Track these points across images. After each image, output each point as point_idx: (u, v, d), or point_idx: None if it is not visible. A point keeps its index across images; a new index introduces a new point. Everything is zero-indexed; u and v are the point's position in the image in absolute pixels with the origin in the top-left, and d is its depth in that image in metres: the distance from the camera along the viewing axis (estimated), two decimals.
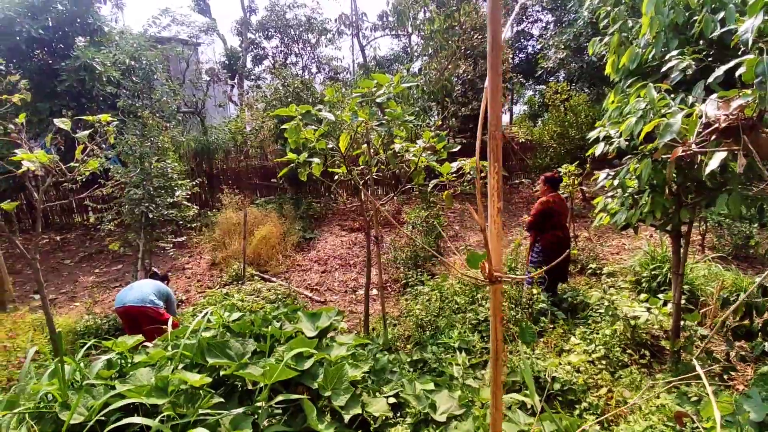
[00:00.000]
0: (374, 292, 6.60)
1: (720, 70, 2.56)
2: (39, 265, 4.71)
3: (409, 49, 18.65)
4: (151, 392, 1.99)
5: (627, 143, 3.59)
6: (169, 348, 2.52)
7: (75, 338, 5.49)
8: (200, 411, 1.98)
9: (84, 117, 4.83)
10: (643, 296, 4.28)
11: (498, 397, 0.94)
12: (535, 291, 4.85)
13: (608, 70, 3.97)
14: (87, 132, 4.74)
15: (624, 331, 4.10)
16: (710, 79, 2.76)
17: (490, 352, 0.93)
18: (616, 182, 3.80)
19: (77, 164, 4.67)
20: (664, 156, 2.99)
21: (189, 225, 7.52)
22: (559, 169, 7.44)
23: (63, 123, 4.52)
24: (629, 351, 3.95)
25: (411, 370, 3.92)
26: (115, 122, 4.85)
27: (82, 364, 2.29)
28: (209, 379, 2.13)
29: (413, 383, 2.97)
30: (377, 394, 2.85)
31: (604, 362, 3.84)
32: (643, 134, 3.06)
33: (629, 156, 3.76)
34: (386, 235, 8.80)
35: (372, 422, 2.61)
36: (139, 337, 2.57)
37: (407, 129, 4.60)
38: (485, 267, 0.90)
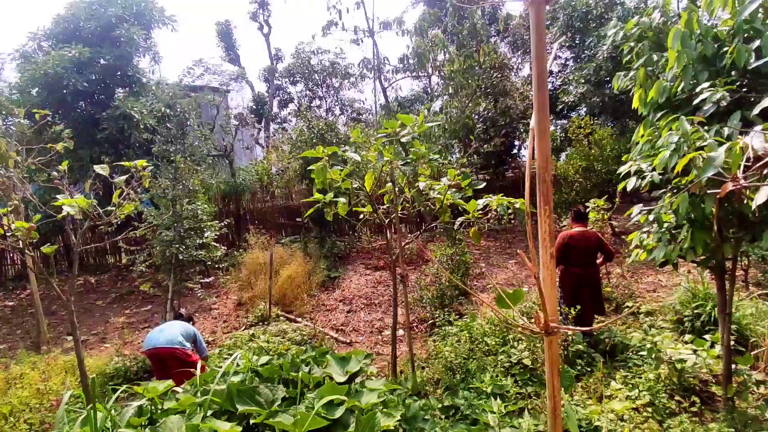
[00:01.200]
0: (400, 332, 6.45)
1: (765, 102, 2.50)
2: (73, 308, 4.81)
3: (429, 89, 19.08)
4: None
5: (660, 177, 3.50)
6: (199, 394, 2.48)
7: (105, 381, 5.50)
8: None
9: (122, 163, 5.05)
10: (688, 337, 4.05)
11: None
12: (571, 333, 4.65)
13: (635, 104, 3.93)
14: (124, 177, 4.94)
15: (669, 376, 3.86)
16: (755, 111, 2.69)
17: (548, 407, 0.87)
18: (651, 217, 3.68)
19: (114, 208, 4.85)
20: (705, 190, 2.89)
21: (216, 265, 7.61)
22: (587, 204, 7.30)
23: (102, 169, 4.73)
24: (677, 398, 3.70)
25: (443, 417, 3.75)
26: (150, 167, 5.04)
27: (113, 411, 2.27)
28: (239, 428, 2.07)
29: None
30: None
31: (649, 410, 3.60)
32: (678, 168, 2.98)
33: (664, 190, 3.66)
34: (411, 273, 8.70)
35: None
36: (170, 382, 2.55)
37: (432, 167, 4.62)
38: (539, 317, 0.85)
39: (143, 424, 2.20)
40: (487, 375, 4.38)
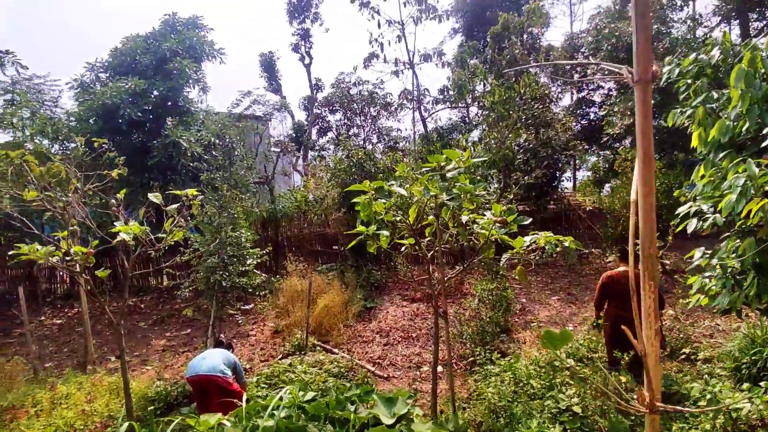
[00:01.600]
0: (439, 368, 6.28)
1: None
2: (122, 331, 4.96)
3: (467, 118, 19.16)
4: None
5: (723, 219, 3.33)
6: (248, 430, 2.46)
7: (146, 404, 5.58)
8: None
9: (173, 192, 5.26)
10: (746, 386, 3.76)
11: None
12: (623, 378, 4.39)
13: (695, 142, 3.78)
14: (176, 206, 5.14)
15: (724, 425, 3.56)
16: None
17: None
18: (714, 261, 3.49)
19: (165, 235, 5.03)
20: None
21: (256, 292, 7.72)
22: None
23: (155, 197, 4.93)
24: None
25: None
26: (200, 196, 5.23)
27: None
28: None
29: None
30: None
31: None
32: (745, 212, 2.83)
33: (728, 234, 3.47)
34: (449, 306, 8.52)
35: None
36: (219, 416, 2.55)
37: (477, 202, 4.57)
38: (643, 395, 0.79)
39: None
40: (534, 421, 4.17)
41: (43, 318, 10.55)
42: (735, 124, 3.43)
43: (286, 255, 11.36)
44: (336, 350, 7.20)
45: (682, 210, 3.71)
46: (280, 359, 6.89)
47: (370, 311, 8.94)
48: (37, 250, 4.43)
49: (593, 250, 10.71)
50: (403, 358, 6.88)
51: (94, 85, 12.20)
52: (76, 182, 6.58)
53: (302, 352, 7.04)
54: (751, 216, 2.64)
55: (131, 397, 4.91)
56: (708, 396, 4.02)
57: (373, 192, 4.33)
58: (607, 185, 14.65)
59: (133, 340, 8.71)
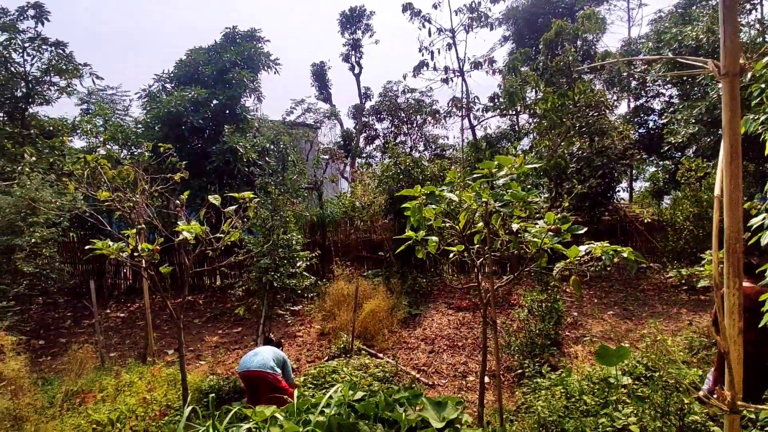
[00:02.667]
0: (486, 379, 6.16)
1: None
2: (181, 325, 5.23)
3: (517, 126, 18.81)
4: None
5: None
6: (300, 424, 2.53)
7: (200, 396, 5.83)
8: None
9: (232, 194, 5.51)
10: None
11: None
12: (686, 399, 4.12)
13: None
14: (233, 207, 5.38)
15: None
16: None
17: None
18: None
19: (223, 235, 5.28)
20: None
21: (304, 294, 7.90)
22: (756, 255, 6.49)
23: (215, 199, 5.18)
24: None
25: None
26: (256, 199, 5.45)
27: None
28: None
29: None
30: None
31: None
32: None
33: None
34: (497, 316, 8.35)
35: None
36: (274, 407, 2.63)
37: (531, 210, 4.48)
38: (724, 394, 0.76)
39: None
40: None
41: (108, 311, 11.28)
42: None
43: (332, 259, 11.55)
44: (380, 355, 7.23)
45: (754, 222, 3.46)
46: (325, 361, 7.00)
47: (415, 318, 8.92)
48: (109, 246, 4.78)
49: (651, 264, 10.16)
50: (449, 366, 6.80)
51: (161, 94, 13.03)
52: (143, 184, 7.06)
53: (347, 355, 7.12)
54: None
55: (188, 388, 5.17)
56: None
57: (424, 197, 4.35)
58: (667, 197, 13.90)
59: (188, 335, 9.13)
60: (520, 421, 4.86)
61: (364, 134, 22.04)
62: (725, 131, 0.90)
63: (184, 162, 7.19)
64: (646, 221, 10.96)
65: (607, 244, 4.08)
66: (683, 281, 7.77)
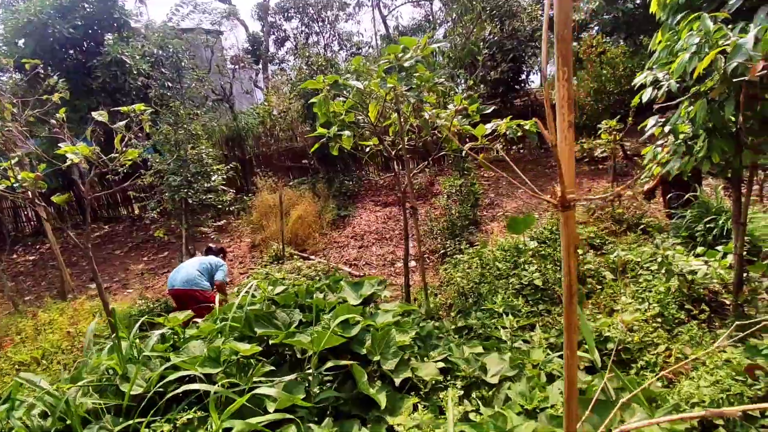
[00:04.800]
0: (413, 264, 6.57)
1: None
2: (91, 254, 4.93)
3: (431, 17, 18.10)
4: (205, 362, 2.02)
5: (678, 85, 3.33)
6: (218, 322, 2.56)
7: (130, 322, 5.73)
8: (253, 379, 2.00)
9: (119, 108, 4.94)
10: (700, 249, 4.04)
11: (572, 340, 0.87)
12: (580, 251, 4.67)
13: (653, 8, 3.65)
14: (123, 122, 4.86)
15: (680, 287, 3.90)
16: None
17: (564, 289, 0.85)
18: (666, 129, 3.55)
19: (117, 154, 4.82)
20: (725, 95, 2.75)
21: (227, 209, 7.67)
22: (599, 126, 7.08)
23: (100, 115, 4.64)
24: (687, 307, 3.75)
25: (456, 336, 3.88)
26: (149, 111, 4.93)
27: (137, 340, 2.36)
28: (259, 348, 2.15)
29: (461, 347, 2.93)
30: (425, 359, 2.82)
31: (659, 320, 3.67)
32: (698, 71, 2.81)
33: (681, 98, 3.49)
34: (421, 207, 8.71)
35: (422, 386, 2.59)
36: (189, 312, 2.63)
37: (437, 92, 4.45)
38: (555, 191, 0.80)
39: (167, 349, 2.29)
40: (498, 297, 4.47)
41: (15, 256, 10.39)
42: None
43: (255, 172, 11.16)
44: (313, 257, 7.40)
45: (638, 80, 3.68)
46: (259, 269, 7.06)
47: (344, 219, 9.08)
48: None
49: None
50: (378, 257, 7.14)
51: (17, 2, 10.87)
52: (11, 108, 6.11)
53: (280, 262, 7.21)
54: (699, 70, 2.62)
55: (114, 313, 5.04)
56: (659, 259, 4.32)
57: (328, 87, 4.15)
58: (574, 78, 14.45)
59: (110, 267, 8.73)
60: (443, 293, 5.30)
61: (273, 36, 20.26)
62: None
63: (62, 80, 6.24)
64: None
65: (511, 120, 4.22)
66: (585, 154, 8.41)
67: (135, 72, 9.51)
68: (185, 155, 6.39)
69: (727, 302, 3.92)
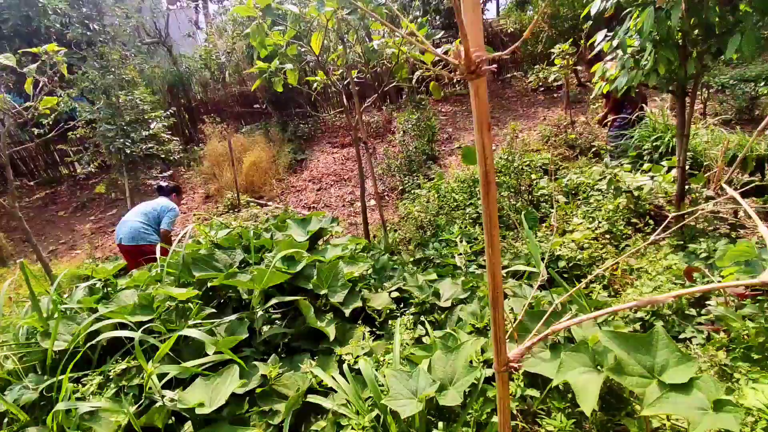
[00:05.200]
0: (372, 203, 6.49)
1: None
2: (20, 214, 4.58)
3: None
4: (136, 310, 1.89)
5: None
6: (153, 269, 2.41)
7: (79, 282, 5.48)
8: (191, 322, 1.90)
9: (29, 50, 4.39)
10: (647, 166, 4.12)
11: (494, 235, 0.79)
12: (534, 176, 4.70)
13: None
14: (34, 65, 4.35)
15: (627, 204, 3.99)
16: None
17: (480, 177, 0.76)
18: (615, 43, 3.45)
19: (32, 103, 4.36)
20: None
21: (174, 160, 7.25)
22: (552, 51, 6.93)
23: (6, 59, 4.15)
24: (634, 221, 3.86)
25: (414, 268, 3.89)
26: (63, 51, 4.40)
27: (64, 295, 2.19)
28: (197, 291, 2.03)
29: (416, 276, 2.91)
30: (379, 290, 2.79)
31: (608, 237, 3.77)
32: None
33: (629, 9, 3.38)
34: (378, 145, 8.51)
35: (377, 317, 2.58)
36: (121, 262, 2.46)
37: (381, 15, 4.16)
38: (459, 53, 0.66)
39: (97, 302, 2.14)
40: (456, 227, 4.48)
41: None
42: None
43: (201, 119, 10.52)
44: (270, 203, 7.20)
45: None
46: (214, 219, 6.82)
47: (301, 163, 8.81)
48: None
49: (515, 73, 10.66)
50: (337, 198, 7.01)
51: None
52: None
53: (236, 211, 6.98)
54: None
55: (50, 268, 4.78)
56: (608, 177, 4.39)
57: (261, 13, 3.79)
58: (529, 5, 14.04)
59: (56, 229, 8.24)
60: (402, 228, 5.29)
61: None
62: None
63: None
64: (509, 31, 11.14)
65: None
66: (540, 84, 8.31)
67: (50, 12, 8.50)
68: (117, 102, 5.87)
69: (670, 215, 4.07)
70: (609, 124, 5.78)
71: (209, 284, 2.20)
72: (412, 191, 5.92)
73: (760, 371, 1.54)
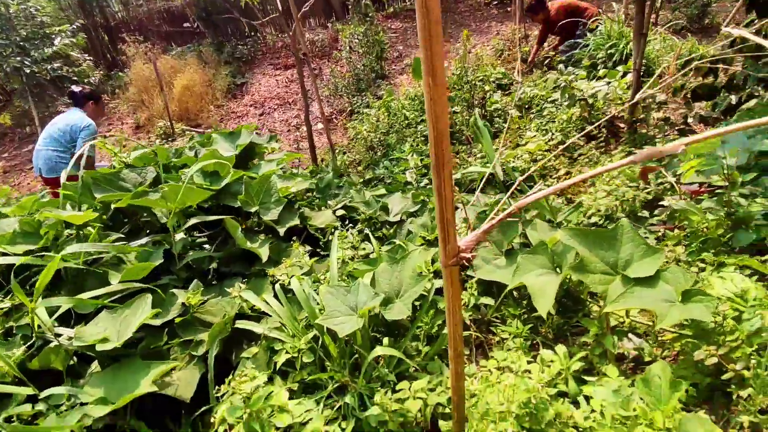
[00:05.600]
0: (319, 126, 6.08)
1: None
2: None
3: None
4: (17, 238, 1.56)
5: None
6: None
7: None
8: (84, 245, 1.59)
9: None
10: (602, 72, 3.94)
11: (443, 121, 0.54)
12: (487, 87, 4.45)
13: None
14: None
15: (582, 113, 3.85)
16: None
17: (423, 64, 0.50)
18: None
19: None
20: None
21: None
22: None
23: None
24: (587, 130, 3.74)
25: (363, 188, 3.66)
26: None
27: None
28: (95, 214, 1.71)
29: (362, 192, 2.68)
30: (323, 208, 2.55)
31: (561, 147, 3.65)
32: None
33: None
34: (325, 66, 7.90)
35: (320, 236, 2.36)
36: (35, 196, 2.06)
37: None
38: None
39: None
40: (406, 145, 4.23)
41: None
42: None
43: (121, 40, 9.32)
44: (208, 130, 6.61)
45: None
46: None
47: (241, 87, 8.08)
48: None
49: None
50: (282, 122, 6.53)
51: None
52: None
53: (171, 140, 6.38)
54: None
55: None
56: (562, 84, 4.19)
57: None
58: None
59: None
60: (352, 151, 4.98)
61: None
62: None
63: None
64: None
65: None
66: None
67: None
68: (8, 13, 4.95)
69: (623, 125, 3.98)
70: (554, 46, 5.73)
71: (113, 206, 1.86)
72: (362, 112, 5.54)
73: (726, 257, 1.47)
